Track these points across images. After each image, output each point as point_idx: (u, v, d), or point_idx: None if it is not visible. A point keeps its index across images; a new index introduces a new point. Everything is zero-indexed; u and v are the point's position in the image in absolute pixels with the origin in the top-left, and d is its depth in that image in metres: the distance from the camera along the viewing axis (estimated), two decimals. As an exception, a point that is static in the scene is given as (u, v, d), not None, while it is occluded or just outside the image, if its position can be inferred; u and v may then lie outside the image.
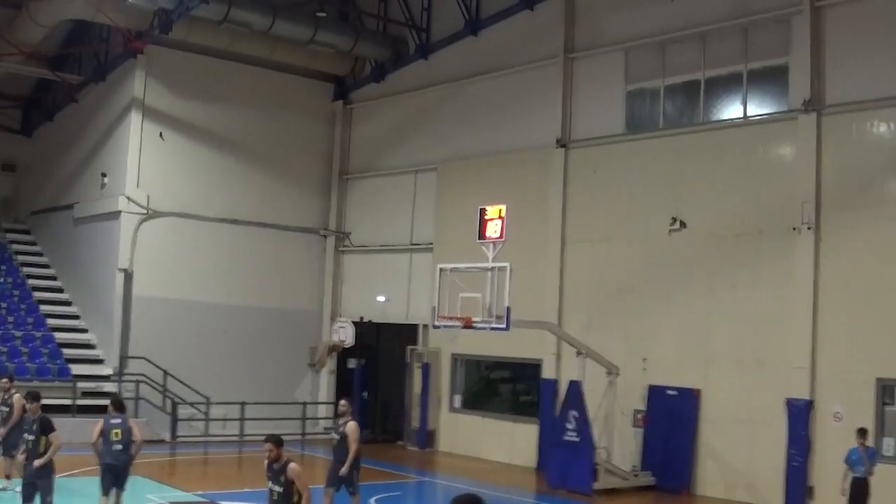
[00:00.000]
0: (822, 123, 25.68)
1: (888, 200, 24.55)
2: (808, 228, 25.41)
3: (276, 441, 14.77)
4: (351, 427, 20.06)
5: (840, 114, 25.45)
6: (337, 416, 20.84)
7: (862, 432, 21.64)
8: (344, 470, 19.89)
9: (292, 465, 14.57)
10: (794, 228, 25.75)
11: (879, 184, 24.81)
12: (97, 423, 19.16)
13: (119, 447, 18.76)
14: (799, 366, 25.34)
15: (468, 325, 24.27)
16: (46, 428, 18.08)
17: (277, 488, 14.52)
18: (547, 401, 30.97)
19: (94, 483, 19.16)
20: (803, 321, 25.38)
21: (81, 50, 39.87)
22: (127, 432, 19.00)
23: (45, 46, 38.42)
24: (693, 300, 28.02)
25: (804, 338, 25.32)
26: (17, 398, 22.52)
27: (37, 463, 17.74)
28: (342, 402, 21.02)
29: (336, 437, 20.29)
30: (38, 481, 17.86)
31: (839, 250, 25.13)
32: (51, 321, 36.78)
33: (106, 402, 30.76)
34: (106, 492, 18.78)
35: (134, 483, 19.74)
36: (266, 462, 14.75)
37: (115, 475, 18.90)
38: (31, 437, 18.06)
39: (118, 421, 19.08)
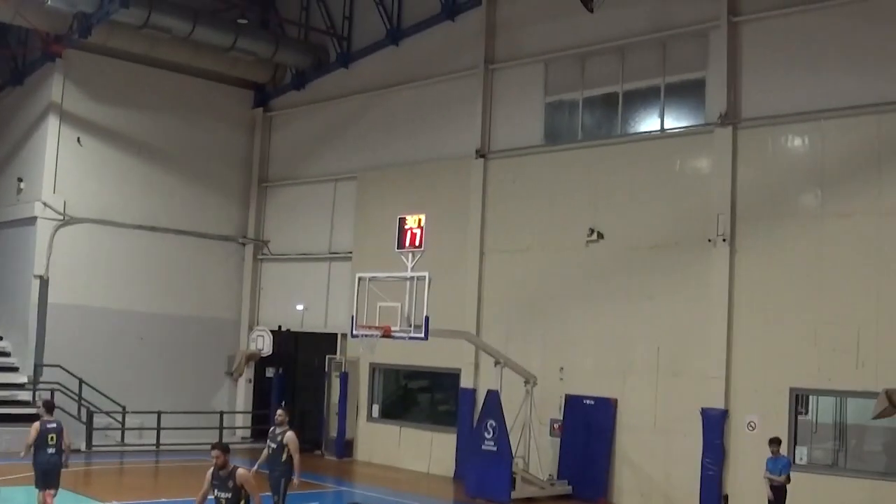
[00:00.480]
0: (737, 137, 26.02)
1: (801, 213, 24.92)
2: (724, 240, 25.74)
3: (223, 448, 14.85)
4: (290, 437, 19.77)
5: (755, 128, 25.82)
6: (274, 424, 20.45)
7: (774, 442, 21.97)
8: (296, 480, 19.64)
9: (241, 471, 14.66)
10: (709, 240, 26.06)
11: (793, 197, 25.17)
12: (34, 426, 20.07)
13: (52, 451, 19.85)
14: (714, 376, 25.63)
15: (387, 334, 24.24)
16: None
17: (225, 495, 14.54)
18: (465, 410, 31.01)
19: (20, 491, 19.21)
20: (718, 332, 25.69)
21: (-2, 53, 39.42)
22: (59, 436, 20.03)
23: (-40, 49, 37.95)
24: (610, 310, 28.23)
25: (719, 348, 25.63)
26: None
27: None
28: (279, 411, 20.59)
29: (272, 446, 19.90)
30: None
31: (753, 262, 25.47)
32: (-37, 329, 36.23)
33: (22, 410, 30.86)
34: (41, 488, 19.85)
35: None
36: (211, 470, 14.75)
37: (49, 476, 19.95)
38: None
39: (53, 425, 20.07)
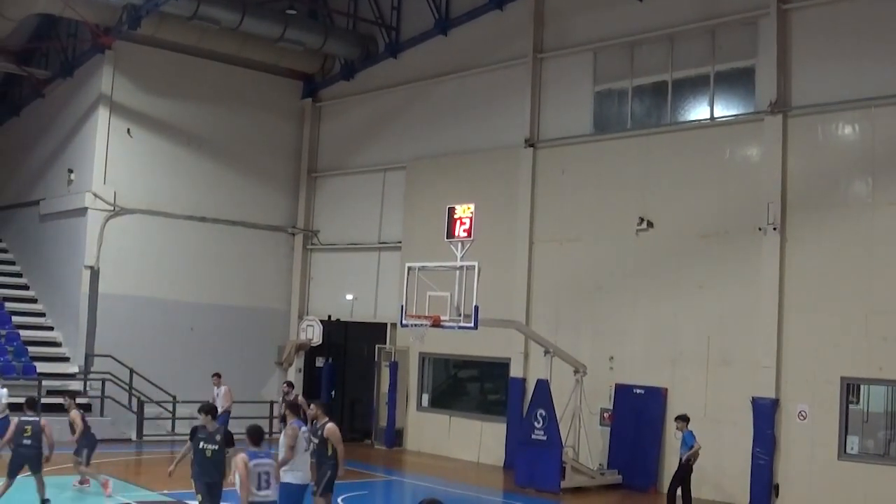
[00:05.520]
0: (787, 125, 25.85)
1: (852, 201, 24.74)
2: (774, 229, 25.56)
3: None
4: (330, 429, 18.81)
5: (806, 115, 25.63)
6: (310, 420, 19.76)
7: (679, 419, 23.73)
8: (341, 472, 18.72)
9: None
10: (759, 229, 25.90)
11: (844, 185, 25.00)
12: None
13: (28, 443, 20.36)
14: (765, 365, 25.51)
15: (436, 323, 24.24)
16: None
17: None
18: (515, 399, 31.03)
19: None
20: (769, 321, 25.55)
21: (49, 45, 39.66)
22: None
23: (12, 40, 38.17)
24: (660, 299, 28.15)
25: (770, 337, 25.49)
26: None
27: None
28: (311, 405, 20.09)
29: (314, 440, 18.68)
30: None
31: (804, 250, 25.31)
32: (16, 319, 36.53)
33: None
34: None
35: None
36: None
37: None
38: None
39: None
